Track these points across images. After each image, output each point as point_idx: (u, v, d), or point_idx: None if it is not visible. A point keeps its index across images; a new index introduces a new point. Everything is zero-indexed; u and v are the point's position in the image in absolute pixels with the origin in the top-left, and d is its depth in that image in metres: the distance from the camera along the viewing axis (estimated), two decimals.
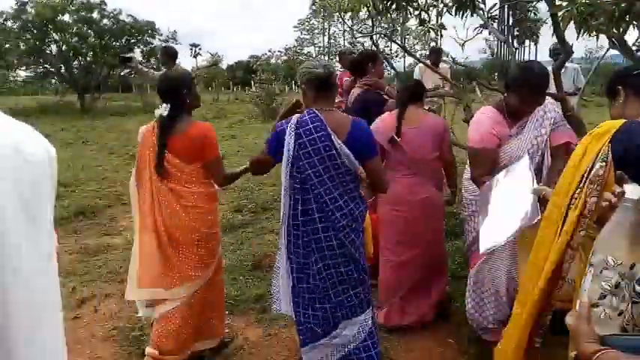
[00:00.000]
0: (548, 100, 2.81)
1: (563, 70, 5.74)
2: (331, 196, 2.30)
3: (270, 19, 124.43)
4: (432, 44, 7.75)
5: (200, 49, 77.35)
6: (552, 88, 3.31)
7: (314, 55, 63.60)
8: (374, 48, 6.21)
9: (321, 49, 64.33)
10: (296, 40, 63.60)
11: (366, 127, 2.42)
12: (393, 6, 4.49)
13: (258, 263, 4.30)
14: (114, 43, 21.77)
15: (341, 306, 2.40)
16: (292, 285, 2.45)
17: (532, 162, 2.38)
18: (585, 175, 1.48)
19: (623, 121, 1.54)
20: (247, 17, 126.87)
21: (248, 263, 4.34)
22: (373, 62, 4.13)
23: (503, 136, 2.61)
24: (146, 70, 6.06)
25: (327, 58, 63.60)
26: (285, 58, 58.64)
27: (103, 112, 20.07)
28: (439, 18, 4.39)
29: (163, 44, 20.54)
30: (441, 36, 6.58)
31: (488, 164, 2.60)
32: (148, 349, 2.69)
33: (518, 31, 5.43)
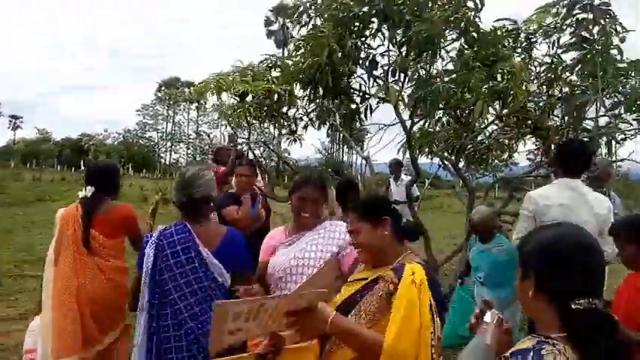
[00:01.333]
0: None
1: (399, 182, 6.79)
2: (192, 312, 2.19)
3: (110, 100, 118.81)
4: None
5: (22, 121, 69.91)
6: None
7: (156, 141, 62.22)
8: (250, 153, 6.38)
9: (164, 134, 63.25)
10: (137, 124, 61.62)
11: (240, 240, 2.35)
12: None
13: None
14: None
15: None
16: None
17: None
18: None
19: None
20: (84, 91, 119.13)
21: None
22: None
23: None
24: None
25: (170, 144, 62.73)
26: (122, 140, 56.16)
27: None
28: (305, 130, 4.97)
29: None
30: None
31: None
32: None
33: (353, 133, 6.36)
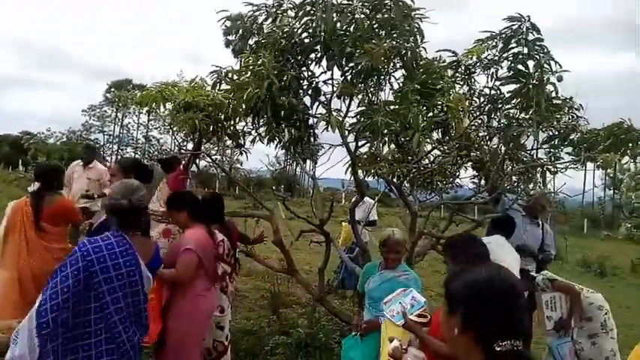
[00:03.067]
0: None
1: (361, 203, 6.89)
2: (125, 325, 2.20)
3: (54, 96, 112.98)
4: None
5: None
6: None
7: (102, 143, 59.84)
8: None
9: (111, 137, 60.93)
10: (83, 125, 59.03)
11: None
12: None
13: None
14: None
15: None
16: None
17: None
18: None
19: None
20: (27, 88, 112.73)
21: None
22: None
23: None
24: None
25: (116, 147, 60.52)
26: (65, 140, 53.58)
27: None
28: (253, 144, 4.90)
29: None
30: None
31: None
32: None
33: (304, 153, 6.37)
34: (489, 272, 1.33)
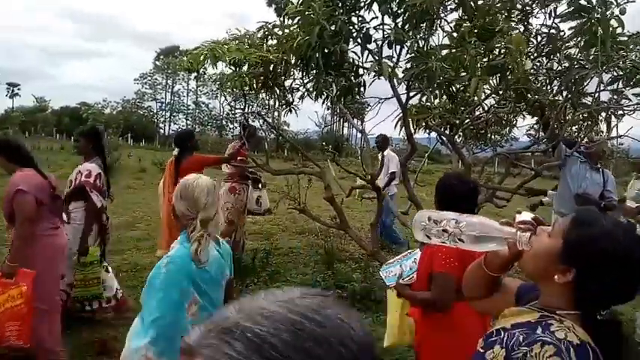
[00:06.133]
0: None
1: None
2: None
3: (108, 66, 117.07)
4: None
5: (19, 89, 69.18)
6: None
7: (155, 111, 61.73)
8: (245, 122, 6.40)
9: (164, 104, 62.68)
10: (136, 93, 60.95)
11: None
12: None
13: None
14: None
15: None
16: None
17: None
18: None
19: None
20: (83, 58, 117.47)
21: None
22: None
23: None
24: None
25: (169, 114, 62.27)
26: (121, 109, 55.67)
27: None
28: (302, 100, 4.88)
29: None
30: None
31: None
32: None
33: (348, 110, 6.33)
34: (617, 232, 1.16)
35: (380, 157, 7.20)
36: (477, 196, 2.46)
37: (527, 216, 1.25)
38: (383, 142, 7.39)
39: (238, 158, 5.82)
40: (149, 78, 61.24)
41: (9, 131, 37.32)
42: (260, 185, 6.20)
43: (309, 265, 6.37)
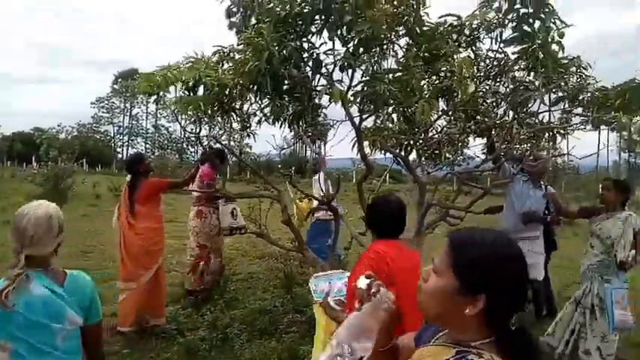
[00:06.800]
0: None
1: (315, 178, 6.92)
2: None
3: (65, 92, 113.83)
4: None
5: None
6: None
7: (112, 135, 60.17)
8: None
9: (121, 128, 61.22)
10: (92, 117, 59.34)
11: None
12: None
13: None
14: None
15: None
16: None
17: None
18: None
19: None
20: (38, 84, 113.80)
21: None
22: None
23: None
24: None
25: (126, 138, 60.77)
26: (76, 134, 53.99)
27: None
28: (259, 125, 4.83)
29: None
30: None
31: None
32: None
33: (311, 132, 6.35)
34: (496, 238, 1.15)
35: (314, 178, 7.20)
36: (404, 216, 2.51)
37: (362, 282, 1.27)
38: (319, 164, 7.39)
39: (207, 182, 5.72)
40: (106, 102, 59.85)
41: None
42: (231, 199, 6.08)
43: (269, 289, 6.27)
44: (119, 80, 58.15)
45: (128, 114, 61.01)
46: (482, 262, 1.11)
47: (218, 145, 6.18)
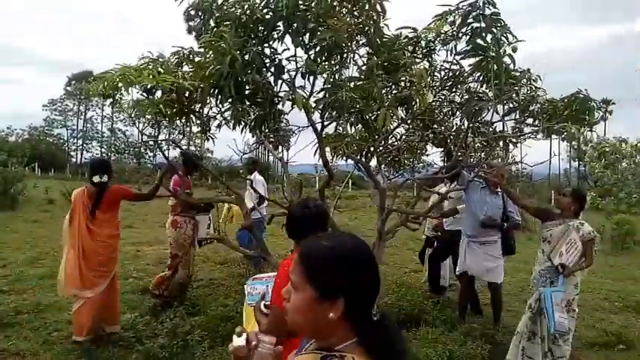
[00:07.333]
0: None
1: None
2: None
3: (15, 93, 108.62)
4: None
5: None
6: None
7: (66, 138, 58.03)
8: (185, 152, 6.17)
9: (75, 132, 59.10)
10: (45, 120, 57.02)
11: None
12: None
13: None
14: None
15: None
16: None
17: None
18: None
19: None
20: None
21: None
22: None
23: None
24: None
25: (80, 142, 58.70)
26: (27, 137, 51.77)
27: None
28: (219, 128, 4.77)
29: None
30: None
31: None
32: None
33: (273, 137, 6.38)
34: (340, 239, 1.21)
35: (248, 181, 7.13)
36: (322, 220, 2.43)
37: (237, 341, 1.26)
38: (252, 165, 7.47)
39: (186, 190, 5.62)
40: (59, 104, 57.64)
41: None
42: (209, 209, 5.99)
43: (231, 295, 6.19)
44: (73, 82, 56.19)
45: (82, 117, 58.99)
46: (332, 267, 1.15)
47: (178, 150, 6.10)
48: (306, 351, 1.23)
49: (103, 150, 56.57)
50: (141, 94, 4.51)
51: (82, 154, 58.39)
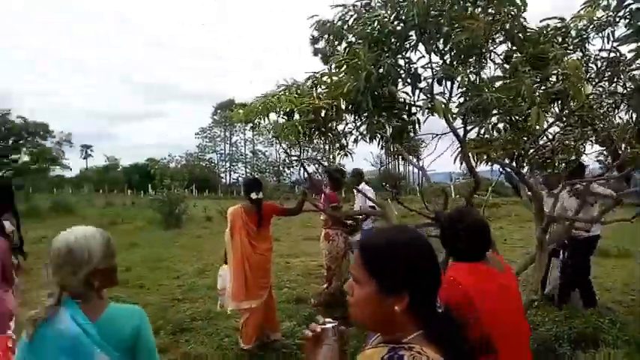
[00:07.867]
0: None
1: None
2: None
3: (170, 124, 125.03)
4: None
5: (92, 150, 74.94)
6: None
7: (216, 162, 64.50)
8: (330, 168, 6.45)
9: (223, 155, 65.35)
10: (197, 147, 64.17)
11: None
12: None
13: None
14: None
15: None
16: None
17: None
18: None
19: None
20: (145, 119, 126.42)
21: None
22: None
23: None
24: None
25: (228, 164, 64.69)
26: (185, 162, 58.62)
27: None
28: (356, 143, 4.86)
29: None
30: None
31: None
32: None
33: (407, 147, 6.27)
34: (397, 233, 1.24)
35: (355, 192, 6.99)
36: (486, 234, 2.16)
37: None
38: (358, 176, 7.19)
39: (332, 204, 5.92)
40: (208, 131, 64.50)
41: (84, 189, 40.02)
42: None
43: None
44: (218, 111, 62.37)
45: (228, 142, 65.07)
46: (395, 261, 1.17)
47: (318, 166, 6.32)
48: (372, 344, 1.25)
49: (247, 170, 61.62)
50: (281, 117, 4.79)
51: (230, 174, 64.34)
